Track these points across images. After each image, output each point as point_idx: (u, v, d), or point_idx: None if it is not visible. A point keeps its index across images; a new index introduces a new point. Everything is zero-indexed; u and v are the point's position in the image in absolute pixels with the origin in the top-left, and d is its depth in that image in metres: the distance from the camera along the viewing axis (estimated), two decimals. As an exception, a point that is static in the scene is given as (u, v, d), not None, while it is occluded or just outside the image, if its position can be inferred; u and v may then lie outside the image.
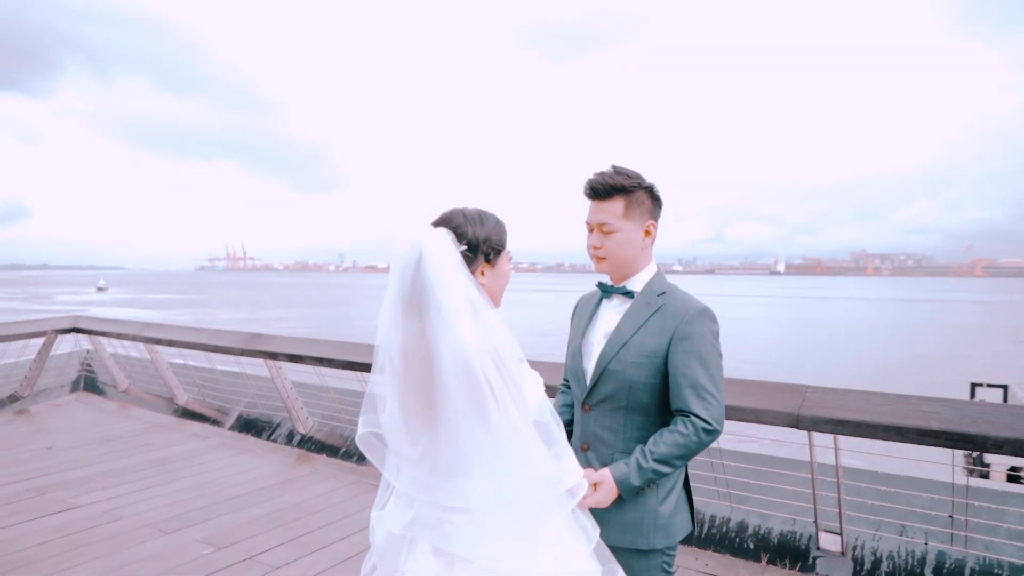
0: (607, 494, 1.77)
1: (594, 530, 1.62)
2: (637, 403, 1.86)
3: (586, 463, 1.90)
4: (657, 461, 1.76)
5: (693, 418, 1.77)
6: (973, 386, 18.24)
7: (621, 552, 1.78)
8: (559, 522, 1.56)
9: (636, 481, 1.76)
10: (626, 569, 1.70)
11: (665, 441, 1.77)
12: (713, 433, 1.78)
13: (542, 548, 1.52)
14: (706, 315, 1.85)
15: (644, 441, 1.84)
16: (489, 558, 1.49)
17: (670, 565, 1.91)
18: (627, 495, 1.79)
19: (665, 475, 1.80)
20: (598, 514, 1.74)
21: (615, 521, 1.83)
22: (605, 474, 1.78)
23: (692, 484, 3.88)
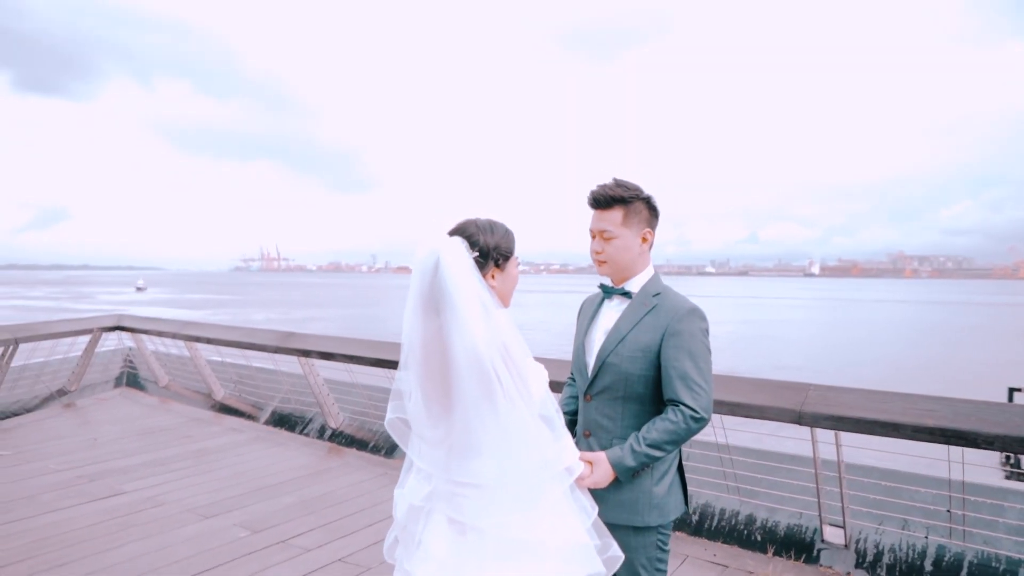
0: (604, 475, 1.94)
1: (592, 508, 1.81)
2: (633, 393, 2.04)
3: (588, 448, 2.09)
4: (649, 446, 1.94)
5: (682, 407, 1.95)
6: (1011, 391, 17.84)
7: (618, 529, 1.96)
8: (558, 496, 1.76)
9: (630, 463, 1.94)
10: (623, 545, 1.88)
11: (657, 428, 1.95)
12: (701, 421, 1.96)
13: (543, 519, 1.72)
14: (695, 314, 2.02)
15: (640, 428, 2.01)
16: (496, 527, 1.69)
17: (665, 543, 2.08)
18: (623, 477, 1.97)
19: (657, 459, 1.97)
20: (597, 494, 1.93)
21: (613, 500, 2.01)
22: (600, 455, 1.96)
23: (704, 479, 4.02)
